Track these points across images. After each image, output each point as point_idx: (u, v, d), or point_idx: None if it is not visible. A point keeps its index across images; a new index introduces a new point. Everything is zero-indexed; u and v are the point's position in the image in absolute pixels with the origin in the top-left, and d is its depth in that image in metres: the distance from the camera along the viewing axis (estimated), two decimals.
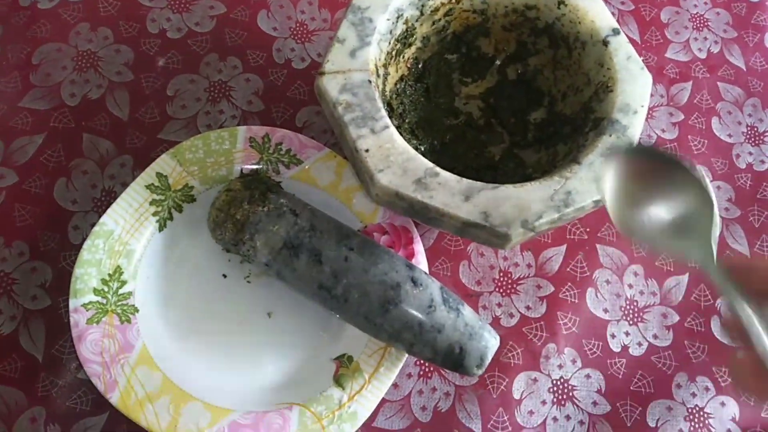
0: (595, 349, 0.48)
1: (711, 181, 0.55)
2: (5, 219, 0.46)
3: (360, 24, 0.41)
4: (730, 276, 0.28)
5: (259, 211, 0.42)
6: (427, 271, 0.45)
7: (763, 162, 0.56)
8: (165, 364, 0.42)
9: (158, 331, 0.43)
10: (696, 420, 0.47)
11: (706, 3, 0.62)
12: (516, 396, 0.46)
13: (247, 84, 0.52)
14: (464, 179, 0.38)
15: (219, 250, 0.46)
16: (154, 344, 0.43)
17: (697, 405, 0.48)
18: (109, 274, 0.43)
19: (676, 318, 0.50)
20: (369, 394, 0.43)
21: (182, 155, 0.45)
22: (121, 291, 0.43)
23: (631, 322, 0.49)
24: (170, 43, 0.52)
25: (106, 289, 0.42)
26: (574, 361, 0.48)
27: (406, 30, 0.45)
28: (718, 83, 0.58)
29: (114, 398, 0.40)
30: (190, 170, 0.45)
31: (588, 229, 0.51)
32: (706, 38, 0.60)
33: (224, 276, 0.46)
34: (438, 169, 0.38)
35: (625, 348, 0.49)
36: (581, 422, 0.46)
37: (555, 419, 0.46)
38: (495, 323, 0.48)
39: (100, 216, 0.44)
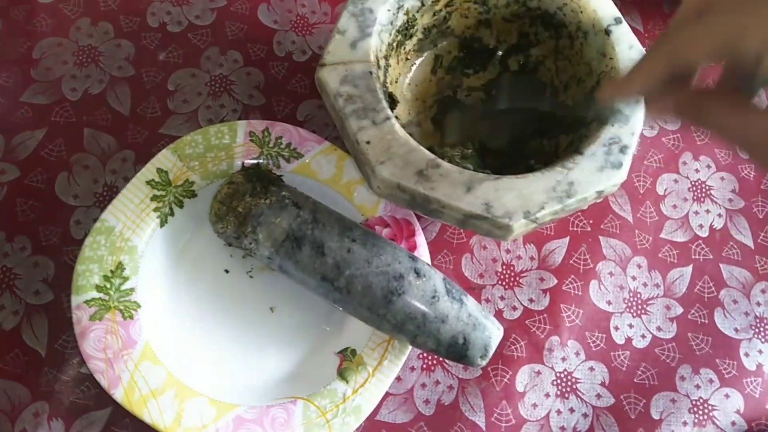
0: (598, 342, 0.48)
1: (715, 172, 0.54)
2: (7, 214, 0.46)
3: (360, 15, 0.41)
4: None
5: (262, 203, 0.42)
6: (430, 264, 0.45)
7: None
8: (168, 359, 0.42)
9: (161, 327, 0.43)
10: (700, 412, 0.47)
11: None
12: (519, 389, 0.46)
13: (248, 78, 0.52)
14: (466, 171, 0.38)
15: (221, 245, 0.46)
16: (158, 340, 0.43)
17: (701, 397, 0.47)
18: (111, 271, 0.43)
19: (680, 310, 0.50)
20: (373, 388, 0.43)
21: (182, 150, 0.45)
22: (123, 287, 0.43)
23: (634, 314, 0.49)
24: (171, 36, 0.52)
25: (108, 285, 0.42)
26: (577, 354, 0.48)
27: (407, 21, 0.45)
28: None
29: (118, 394, 0.40)
30: (191, 165, 0.45)
31: (591, 221, 0.51)
32: None
33: (226, 271, 0.46)
34: (439, 160, 0.38)
35: (628, 340, 0.48)
36: (585, 415, 0.46)
37: (559, 412, 0.46)
38: (498, 316, 0.48)
39: (102, 211, 0.44)
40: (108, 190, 0.48)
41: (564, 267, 0.50)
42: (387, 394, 0.45)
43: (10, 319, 0.44)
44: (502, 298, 0.49)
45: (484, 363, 0.41)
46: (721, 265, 0.51)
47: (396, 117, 0.42)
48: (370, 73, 0.39)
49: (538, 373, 0.47)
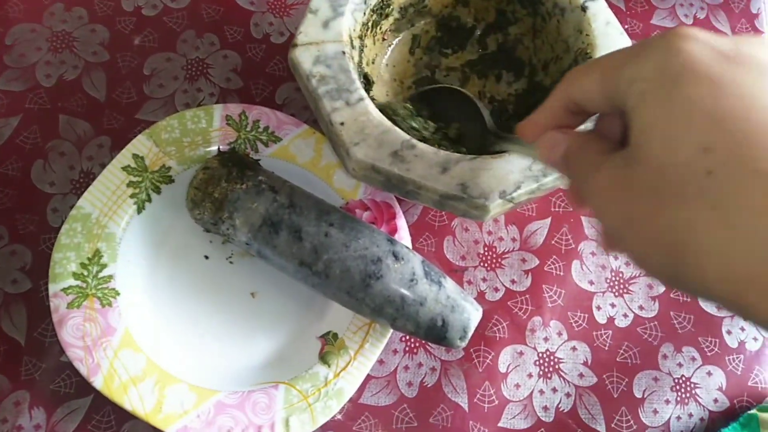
0: (580, 322, 0.48)
1: None
2: None
3: None
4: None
5: (237, 188, 0.41)
6: (411, 247, 0.45)
7: None
8: (148, 346, 0.42)
9: (141, 314, 0.43)
10: (683, 390, 0.47)
11: None
12: (502, 369, 0.46)
13: (225, 61, 0.51)
14: (441, 151, 0.37)
15: (200, 231, 0.45)
16: (137, 327, 0.42)
17: (683, 375, 0.47)
18: (89, 258, 0.42)
19: (662, 289, 0.50)
20: (355, 371, 0.43)
21: (158, 135, 0.44)
22: (101, 274, 0.42)
23: (616, 294, 0.49)
24: (146, 20, 0.52)
25: (85, 273, 0.42)
26: (560, 334, 0.48)
27: (382, 0, 0.44)
28: None
29: (97, 382, 0.40)
30: (167, 151, 0.44)
31: None
32: (692, 4, 0.59)
33: (206, 257, 0.46)
34: (414, 141, 0.38)
35: (611, 320, 0.48)
36: (568, 394, 0.46)
37: (541, 392, 0.46)
38: (480, 298, 0.48)
39: (78, 198, 0.44)
40: (84, 176, 0.47)
41: (546, 248, 0.50)
42: (370, 377, 0.45)
43: None
44: (484, 279, 0.48)
45: (463, 344, 0.41)
46: None
47: (372, 98, 0.41)
48: (343, 53, 0.39)
49: (521, 353, 0.47)
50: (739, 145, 0.21)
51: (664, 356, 0.48)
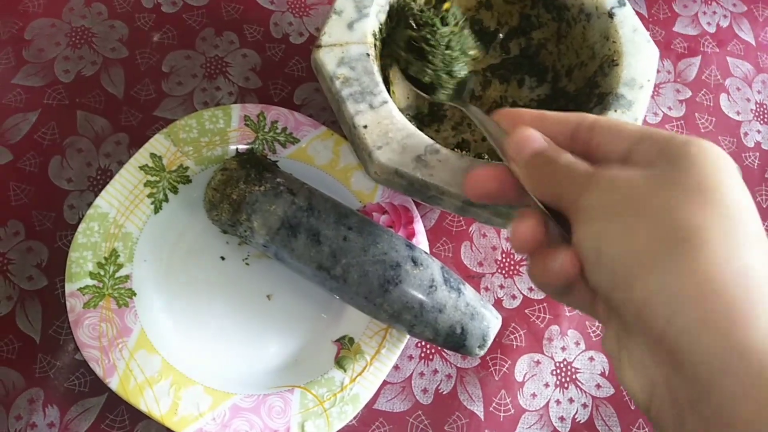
0: (598, 331, 0.48)
1: None
2: (0, 198, 0.45)
3: None
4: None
5: (256, 190, 0.41)
6: (428, 252, 0.44)
7: None
8: (164, 347, 0.42)
9: (156, 315, 0.43)
10: None
11: None
12: (518, 378, 0.46)
13: (244, 60, 0.51)
14: (465, 156, 0.37)
15: (216, 232, 0.45)
16: (153, 328, 0.42)
17: None
18: (105, 258, 0.42)
19: None
20: (371, 376, 0.42)
21: (176, 135, 0.44)
22: (117, 275, 0.42)
23: None
24: (165, 17, 0.51)
25: (102, 272, 0.42)
26: (577, 343, 0.47)
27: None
28: (728, 58, 0.57)
29: (113, 383, 0.39)
30: (185, 150, 0.44)
31: None
32: (715, 12, 0.58)
33: (222, 258, 0.45)
34: (438, 146, 0.37)
35: None
36: (584, 405, 0.46)
37: (558, 402, 0.46)
38: (497, 305, 0.47)
39: (96, 195, 0.44)
40: (102, 173, 0.47)
41: None
42: (385, 383, 0.45)
43: (3, 305, 0.43)
44: (501, 286, 0.48)
45: (482, 353, 0.40)
46: None
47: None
48: (368, 54, 0.38)
49: (538, 362, 0.46)
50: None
51: None
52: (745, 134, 0.54)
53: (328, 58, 0.38)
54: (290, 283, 0.45)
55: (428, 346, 0.46)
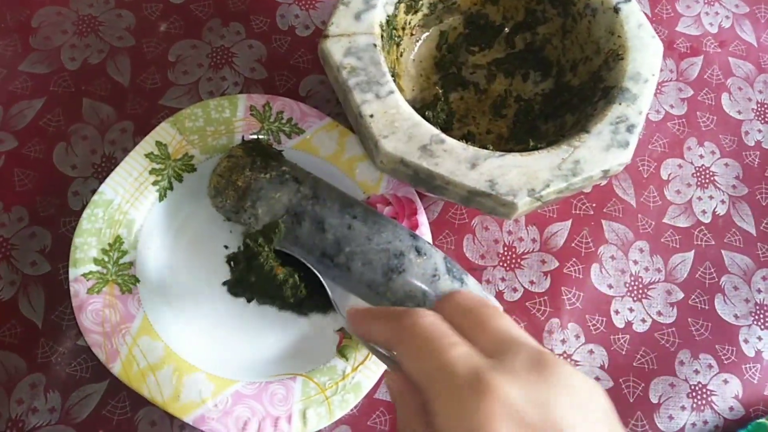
0: (598, 325, 0.48)
1: (719, 158, 0.54)
2: (4, 184, 0.46)
3: None
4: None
5: (261, 178, 0.41)
6: (431, 243, 0.44)
7: None
8: (167, 334, 0.42)
9: (160, 302, 0.43)
10: (699, 397, 0.47)
11: None
12: None
13: (250, 50, 0.51)
14: (470, 147, 0.37)
15: (220, 221, 0.45)
16: (156, 315, 0.42)
17: (699, 382, 0.47)
18: (110, 244, 0.42)
19: (681, 295, 0.49)
20: (372, 365, 0.42)
21: (182, 123, 0.44)
22: (121, 261, 0.42)
23: (635, 299, 0.49)
24: (172, 7, 0.51)
25: (106, 258, 0.42)
26: (577, 337, 0.47)
27: None
28: (729, 58, 0.57)
29: (116, 368, 0.39)
30: (190, 139, 0.44)
31: (594, 205, 0.51)
32: (717, 12, 0.59)
33: (226, 247, 0.45)
34: (444, 135, 0.37)
35: (628, 324, 0.48)
36: None
37: None
38: (498, 297, 0.48)
39: (100, 182, 0.44)
40: (106, 161, 0.47)
41: (566, 250, 0.49)
42: (386, 372, 0.45)
43: (6, 290, 0.44)
44: (503, 279, 0.48)
45: None
46: (722, 252, 0.51)
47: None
48: (374, 45, 0.39)
49: None
50: None
51: (681, 363, 0.48)
52: (746, 133, 0.55)
53: (335, 48, 0.38)
54: None
55: None
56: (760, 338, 0.49)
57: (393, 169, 0.38)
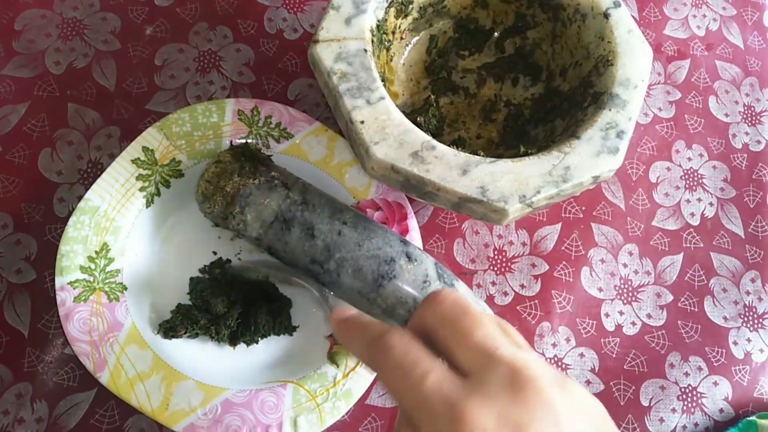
0: (589, 328, 0.48)
1: (708, 161, 0.54)
2: None
3: None
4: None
5: (250, 183, 0.41)
6: (422, 248, 0.44)
7: (759, 142, 0.55)
8: (155, 342, 0.41)
9: (148, 310, 0.42)
10: (689, 399, 0.47)
11: None
12: None
13: (238, 54, 0.51)
14: (461, 153, 0.37)
15: (209, 227, 0.45)
16: (144, 323, 0.42)
17: (690, 384, 0.47)
18: (96, 252, 0.41)
19: (670, 298, 0.50)
20: (363, 372, 0.42)
21: (169, 129, 0.44)
22: (108, 268, 0.42)
23: (625, 302, 0.49)
24: (158, 10, 0.51)
25: (93, 266, 0.41)
26: (568, 340, 0.48)
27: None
28: (716, 61, 0.58)
29: (104, 377, 0.39)
30: (178, 144, 0.44)
31: (583, 208, 0.51)
32: (705, 15, 0.59)
33: (214, 253, 0.45)
34: (435, 142, 0.37)
35: (618, 327, 0.48)
36: None
37: None
38: (489, 301, 0.48)
39: (86, 188, 0.43)
40: (92, 166, 0.46)
41: (556, 253, 0.49)
42: (376, 378, 0.45)
43: None
44: (493, 283, 0.48)
45: None
46: (711, 254, 0.51)
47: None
48: (365, 50, 0.38)
49: None
50: None
51: (671, 365, 0.48)
52: (734, 136, 0.55)
53: (325, 54, 0.38)
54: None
55: None
56: (749, 340, 0.49)
57: (384, 175, 0.38)
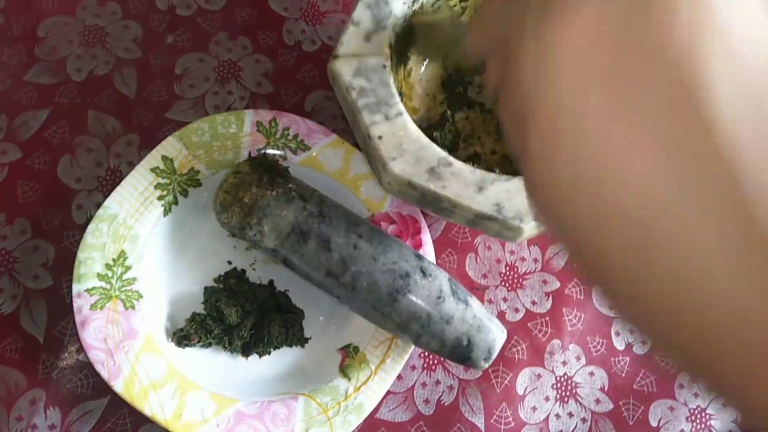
0: (599, 347, 0.48)
1: None
2: (7, 196, 0.45)
3: (375, 6, 0.40)
4: None
5: (268, 195, 0.41)
6: (435, 262, 0.44)
7: None
8: (170, 351, 0.42)
9: (163, 318, 0.43)
10: (698, 421, 0.47)
11: None
12: (519, 391, 0.46)
13: (257, 65, 0.51)
14: (478, 170, 0.37)
15: (224, 236, 0.45)
16: (159, 331, 0.42)
17: (699, 406, 0.47)
18: (114, 259, 0.42)
19: None
20: (375, 386, 0.42)
21: (188, 138, 0.44)
22: (125, 276, 0.42)
23: None
24: (179, 20, 0.51)
25: (110, 274, 0.42)
26: (578, 358, 0.48)
27: None
28: None
29: (118, 386, 0.39)
30: (196, 154, 0.44)
31: None
32: None
33: (229, 263, 0.45)
34: (452, 158, 0.37)
35: (629, 346, 0.48)
36: (584, 420, 0.46)
37: (558, 416, 0.46)
38: (500, 317, 0.48)
39: (104, 195, 0.44)
40: (111, 174, 0.47)
41: (567, 270, 0.49)
42: (387, 392, 0.45)
43: (8, 303, 0.43)
44: (504, 299, 0.48)
45: (487, 365, 0.41)
46: None
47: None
48: (384, 66, 0.39)
49: (539, 376, 0.47)
50: None
51: (681, 386, 0.48)
52: None
53: (344, 69, 0.38)
54: (295, 290, 0.45)
55: (431, 357, 0.46)
56: None
57: (400, 191, 0.38)
